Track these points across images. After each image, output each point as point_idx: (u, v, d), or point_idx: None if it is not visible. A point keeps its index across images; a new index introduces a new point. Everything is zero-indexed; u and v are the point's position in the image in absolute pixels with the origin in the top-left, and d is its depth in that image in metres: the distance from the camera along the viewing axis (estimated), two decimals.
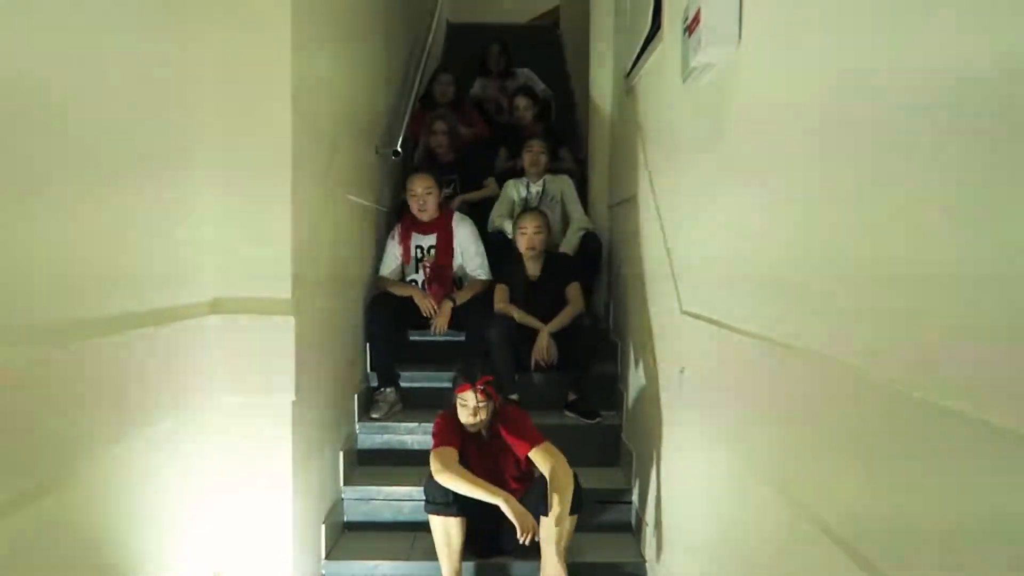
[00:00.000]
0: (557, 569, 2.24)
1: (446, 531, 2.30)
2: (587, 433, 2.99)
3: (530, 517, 2.19)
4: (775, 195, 1.35)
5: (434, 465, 2.28)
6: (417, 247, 3.32)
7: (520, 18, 7.21)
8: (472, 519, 2.33)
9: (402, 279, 3.33)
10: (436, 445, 2.36)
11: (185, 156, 1.85)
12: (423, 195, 3.23)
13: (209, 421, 1.97)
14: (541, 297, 3.16)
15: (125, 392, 1.54)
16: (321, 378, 2.46)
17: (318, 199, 2.37)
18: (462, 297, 3.20)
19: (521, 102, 4.26)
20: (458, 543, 2.31)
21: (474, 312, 3.12)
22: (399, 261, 3.31)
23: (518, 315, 3.07)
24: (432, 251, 3.30)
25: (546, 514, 2.22)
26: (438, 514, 2.30)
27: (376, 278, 3.30)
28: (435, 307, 3.14)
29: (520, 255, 3.22)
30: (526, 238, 3.15)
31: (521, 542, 2.17)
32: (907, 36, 0.90)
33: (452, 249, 3.30)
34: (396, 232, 3.34)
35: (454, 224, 3.33)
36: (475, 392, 2.34)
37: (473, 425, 2.39)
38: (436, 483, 2.28)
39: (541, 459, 2.31)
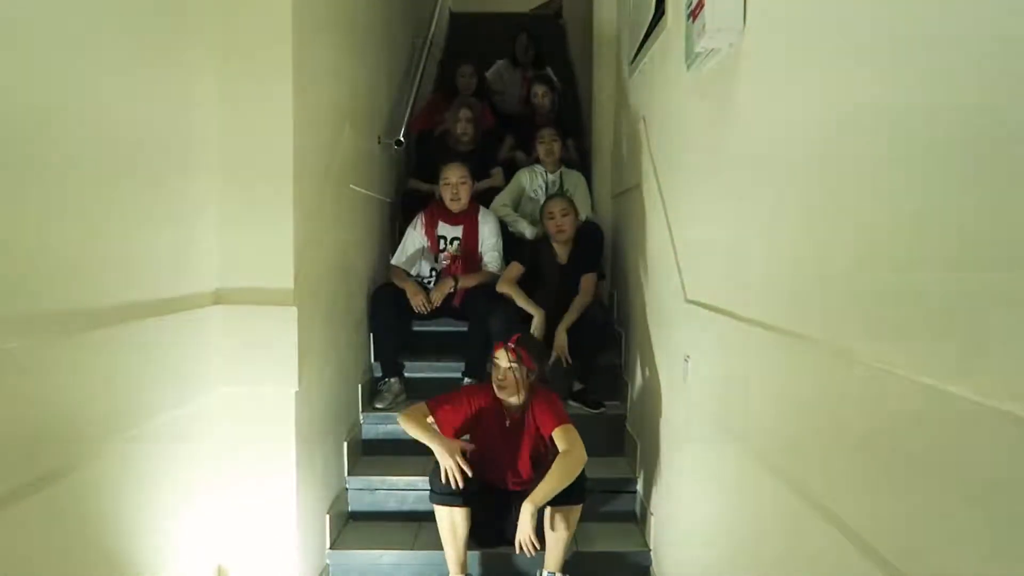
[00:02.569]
0: (527, 524, 2.17)
1: (451, 521, 2.30)
2: (592, 423, 2.98)
3: (450, 457, 2.26)
4: (780, 182, 1.34)
5: (401, 415, 2.35)
6: (441, 237, 3.30)
7: (523, 7, 7.16)
8: (477, 509, 2.33)
9: (418, 273, 3.32)
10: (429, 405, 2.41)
11: (186, 145, 1.85)
12: (457, 184, 3.22)
13: (212, 412, 1.97)
14: (571, 282, 3.15)
15: (128, 382, 1.54)
16: (324, 368, 2.46)
17: (320, 188, 2.36)
18: (466, 281, 3.18)
19: (540, 89, 4.24)
20: (463, 533, 2.32)
21: (477, 302, 3.11)
22: (418, 248, 3.29)
23: (520, 299, 3.06)
24: (456, 243, 3.29)
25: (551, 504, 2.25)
26: (443, 504, 2.30)
27: (389, 265, 3.32)
28: (427, 304, 3.11)
29: (548, 239, 3.21)
30: (554, 223, 3.14)
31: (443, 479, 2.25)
32: (916, 19, 0.89)
33: (478, 242, 3.29)
34: (420, 221, 3.31)
35: (480, 217, 3.32)
36: (506, 351, 2.36)
37: (505, 395, 2.38)
38: (441, 473, 2.28)
39: (560, 440, 2.32)
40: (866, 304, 0.99)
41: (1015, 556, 0.69)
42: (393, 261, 3.29)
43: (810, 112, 1.20)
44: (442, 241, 3.30)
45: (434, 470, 2.33)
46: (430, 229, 3.29)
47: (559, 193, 3.41)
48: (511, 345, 2.37)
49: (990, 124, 0.74)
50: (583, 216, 3.52)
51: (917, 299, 0.87)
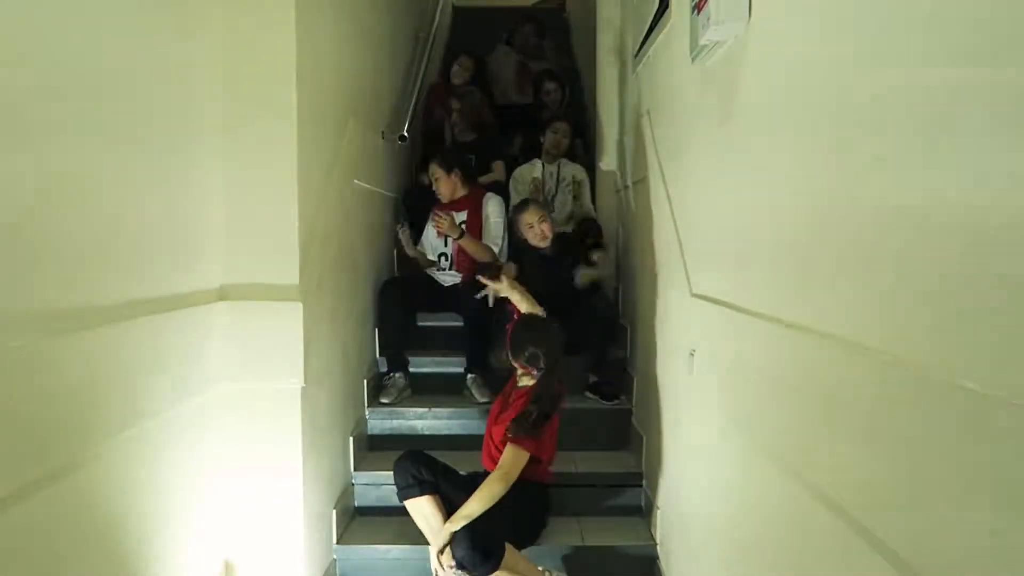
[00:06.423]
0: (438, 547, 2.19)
1: (419, 511, 2.34)
2: (598, 417, 2.99)
3: None
4: (785, 174, 1.33)
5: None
6: None
7: (526, 0, 7.13)
8: (447, 495, 2.35)
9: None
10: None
11: (189, 141, 1.84)
12: (434, 180, 3.35)
13: (218, 408, 1.98)
14: (556, 273, 3.16)
15: (134, 379, 1.55)
16: (330, 364, 2.46)
17: (325, 184, 2.36)
18: (468, 242, 3.23)
19: (550, 86, 4.21)
20: (436, 521, 2.30)
21: (472, 296, 3.12)
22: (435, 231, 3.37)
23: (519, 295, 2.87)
24: (462, 226, 3.34)
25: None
26: (408, 497, 2.34)
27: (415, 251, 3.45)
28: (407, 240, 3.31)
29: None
30: (534, 231, 3.12)
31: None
32: (919, 13, 0.88)
33: (483, 222, 3.35)
34: (434, 209, 3.42)
35: (484, 199, 3.39)
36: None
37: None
38: (400, 469, 2.34)
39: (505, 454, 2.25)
40: (873, 296, 0.98)
41: (1021, 546, 0.69)
42: (419, 247, 3.42)
43: (815, 104, 1.20)
44: None
45: (396, 466, 2.37)
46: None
47: (530, 200, 3.30)
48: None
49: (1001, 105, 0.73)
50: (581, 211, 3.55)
51: (923, 292, 0.86)
